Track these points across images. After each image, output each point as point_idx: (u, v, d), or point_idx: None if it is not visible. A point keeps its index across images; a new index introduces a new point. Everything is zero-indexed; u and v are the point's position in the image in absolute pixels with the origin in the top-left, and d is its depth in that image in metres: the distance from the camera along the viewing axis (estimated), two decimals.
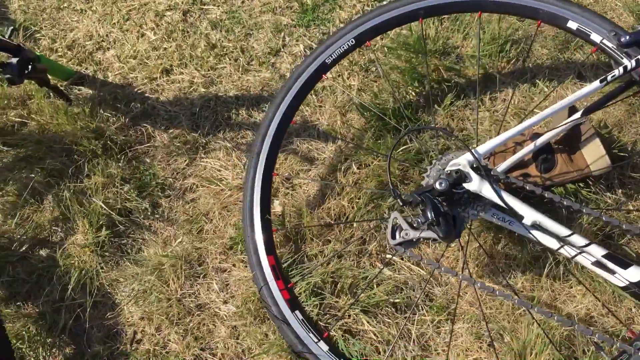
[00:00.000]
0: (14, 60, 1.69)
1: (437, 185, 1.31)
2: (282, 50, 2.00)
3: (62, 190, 1.72)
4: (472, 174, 1.34)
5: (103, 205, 1.67)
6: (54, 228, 1.71)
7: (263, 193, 1.53)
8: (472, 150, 1.33)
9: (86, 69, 2.03)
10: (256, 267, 1.48)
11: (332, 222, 1.64)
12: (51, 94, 1.92)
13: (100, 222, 1.67)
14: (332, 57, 1.60)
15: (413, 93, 1.81)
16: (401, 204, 1.33)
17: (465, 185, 1.34)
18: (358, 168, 1.69)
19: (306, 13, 2.07)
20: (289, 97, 1.59)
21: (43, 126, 1.86)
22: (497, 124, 1.73)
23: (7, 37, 1.82)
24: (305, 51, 2.00)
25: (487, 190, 1.32)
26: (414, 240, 1.33)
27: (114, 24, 2.12)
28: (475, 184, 1.33)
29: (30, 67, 1.70)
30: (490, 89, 1.80)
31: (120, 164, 1.76)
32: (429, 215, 1.26)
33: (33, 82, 1.86)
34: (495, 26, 1.84)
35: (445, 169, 1.37)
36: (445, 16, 1.94)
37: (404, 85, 1.81)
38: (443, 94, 1.79)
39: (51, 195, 1.74)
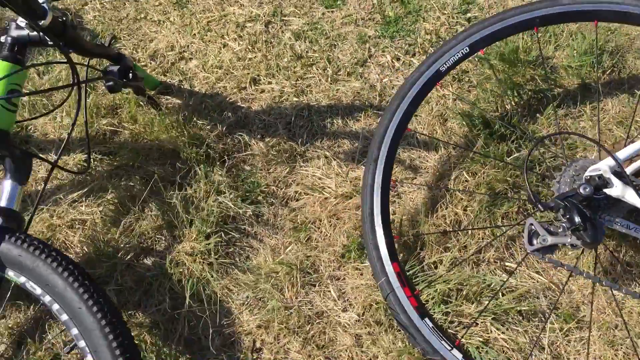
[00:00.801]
0: (115, 68, 1.68)
1: (582, 190, 1.31)
2: (369, 60, 2.01)
3: (168, 197, 1.70)
4: (614, 179, 1.33)
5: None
6: (157, 236, 1.68)
7: (383, 200, 1.52)
8: (615, 156, 1.34)
9: (171, 79, 2.02)
10: (381, 274, 1.46)
11: (455, 229, 1.62)
12: (142, 102, 1.91)
13: (208, 230, 1.64)
14: (446, 65, 1.60)
15: (513, 102, 1.82)
16: (542, 209, 1.33)
17: (606, 190, 1.34)
18: (469, 176, 1.68)
19: (389, 25, 2.08)
20: (404, 104, 1.58)
21: (136, 135, 1.85)
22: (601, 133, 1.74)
23: (106, 44, 1.81)
24: (392, 62, 2.00)
25: (631, 196, 1.32)
26: (553, 245, 1.34)
27: (194, 34, 2.12)
28: (619, 189, 1.33)
29: (130, 75, 1.70)
30: (589, 99, 1.81)
31: (222, 172, 1.75)
32: (576, 220, 1.26)
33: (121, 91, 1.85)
34: (590, 38, 1.86)
35: (584, 175, 1.37)
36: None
37: (500, 95, 1.81)
38: (542, 103, 1.80)
39: (154, 203, 1.71)
